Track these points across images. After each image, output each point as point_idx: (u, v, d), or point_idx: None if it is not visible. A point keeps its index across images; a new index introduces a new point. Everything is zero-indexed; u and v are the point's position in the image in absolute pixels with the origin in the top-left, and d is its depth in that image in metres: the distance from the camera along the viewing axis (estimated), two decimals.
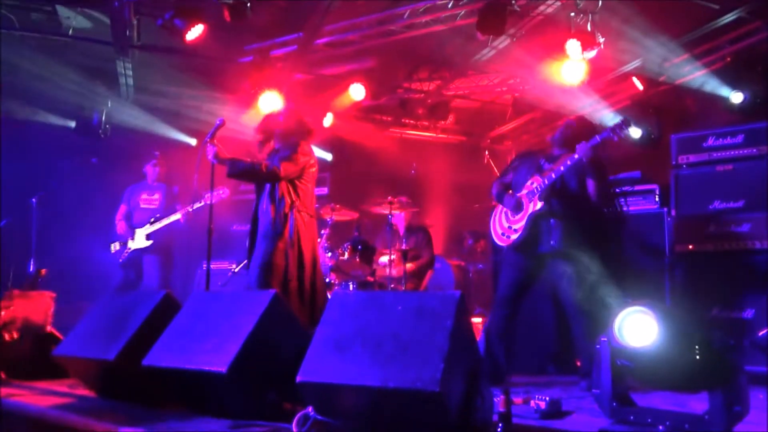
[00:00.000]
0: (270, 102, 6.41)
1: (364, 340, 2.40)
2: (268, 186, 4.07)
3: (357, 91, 6.97)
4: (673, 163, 4.90)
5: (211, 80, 7.13)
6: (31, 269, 5.35)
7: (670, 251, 4.81)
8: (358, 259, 5.47)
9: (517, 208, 3.83)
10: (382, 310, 2.48)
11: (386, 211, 5.48)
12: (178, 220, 5.65)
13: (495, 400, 2.50)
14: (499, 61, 6.54)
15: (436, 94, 7.60)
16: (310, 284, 3.97)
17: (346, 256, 5.46)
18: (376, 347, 2.34)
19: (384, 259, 5.69)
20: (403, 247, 5.64)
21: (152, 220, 5.72)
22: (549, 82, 6.42)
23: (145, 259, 5.74)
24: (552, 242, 3.62)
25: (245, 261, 4.19)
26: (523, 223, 3.79)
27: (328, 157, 8.43)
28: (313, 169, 4.17)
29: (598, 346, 2.26)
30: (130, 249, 5.74)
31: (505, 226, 3.95)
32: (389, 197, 5.47)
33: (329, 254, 5.51)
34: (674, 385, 2.20)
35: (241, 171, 3.89)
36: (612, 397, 2.22)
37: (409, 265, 5.65)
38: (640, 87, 6.61)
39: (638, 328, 2.07)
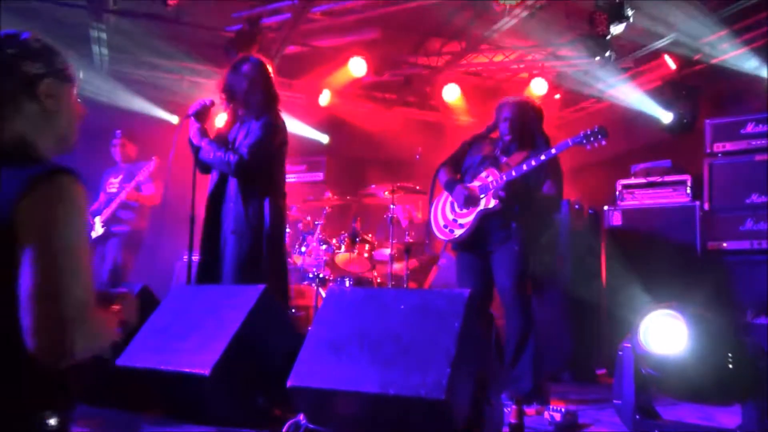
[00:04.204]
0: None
1: (361, 342, 2.40)
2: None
3: (357, 66, 6.94)
4: (708, 151, 4.90)
5: (195, 51, 7.10)
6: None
7: (702, 249, 4.82)
8: (355, 253, 5.48)
9: (468, 201, 3.71)
10: (382, 309, 2.49)
11: (388, 200, 5.48)
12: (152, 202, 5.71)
13: (506, 410, 2.52)
14: (516, 34, 6.51)
15: (445, 71, 7.58)
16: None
17: (343, 249, 5.47)
18: (375, 349, 2.35)
19: (384, 252, 5.69)
20: (406, 240, 5.64)
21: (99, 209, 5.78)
22: (572, 59, 6.40)
23: (108, 244, 5.72)
24: (515, 247, 3.58)
25: (200, 257, 3.72)
26: (471, 218, 3.71)
27: (325, 139, 8.41)
28: (286, 146, 3.78)
29: (620, 353, 2.27)
30: (91, 237, 5.71)
31: (449, 219, 3.87)
32: (391, 184, 5.47)
33: (324, 247, 5.51)
34: (704, 396, 2.22)
35: (209, 163, 3.70)
36: (635, 409, 2.24)
37: (411, 261, 5.66)
38: (673, 66, 6.59)
39: (666, 333, 2.08)
